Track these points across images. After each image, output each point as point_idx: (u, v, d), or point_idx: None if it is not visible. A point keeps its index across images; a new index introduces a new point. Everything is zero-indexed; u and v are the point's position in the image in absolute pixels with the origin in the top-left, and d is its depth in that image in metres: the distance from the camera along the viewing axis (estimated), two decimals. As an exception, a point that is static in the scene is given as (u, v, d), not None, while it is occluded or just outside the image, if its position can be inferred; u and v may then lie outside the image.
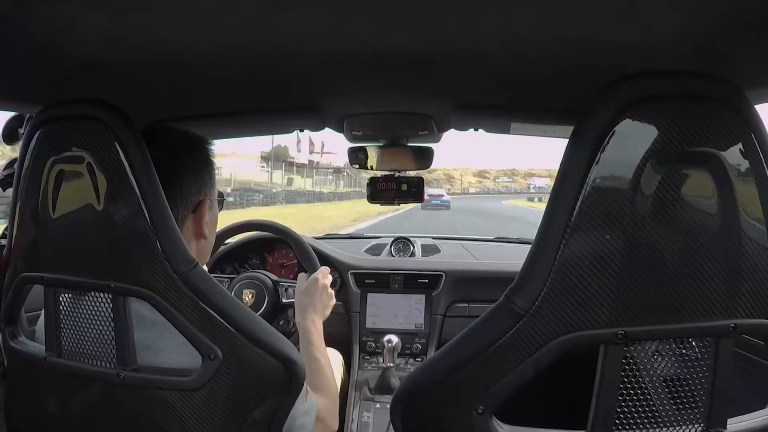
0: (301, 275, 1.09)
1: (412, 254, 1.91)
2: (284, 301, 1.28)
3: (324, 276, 1.07)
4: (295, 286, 1.25)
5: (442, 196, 25.38)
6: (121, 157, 0.54)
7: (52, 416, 0.62)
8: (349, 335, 1.56)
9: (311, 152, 45.02)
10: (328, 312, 1.05)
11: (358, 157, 1.24)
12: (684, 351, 0.52)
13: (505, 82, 0.80)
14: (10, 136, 0.90)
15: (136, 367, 0.57)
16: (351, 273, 1.61)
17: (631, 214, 0.43)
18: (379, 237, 2.13)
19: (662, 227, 0.43)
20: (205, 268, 0.86)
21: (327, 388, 0.90)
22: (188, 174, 0.69)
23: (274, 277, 1.31)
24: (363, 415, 1.25)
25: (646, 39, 0.58)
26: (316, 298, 1.03)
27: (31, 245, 0.61)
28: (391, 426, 0.56)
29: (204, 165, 0.72)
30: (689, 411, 0.48)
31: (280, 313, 1.30)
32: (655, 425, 0.47)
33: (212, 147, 0.75)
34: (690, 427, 0.47)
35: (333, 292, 1.08)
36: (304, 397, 0.69)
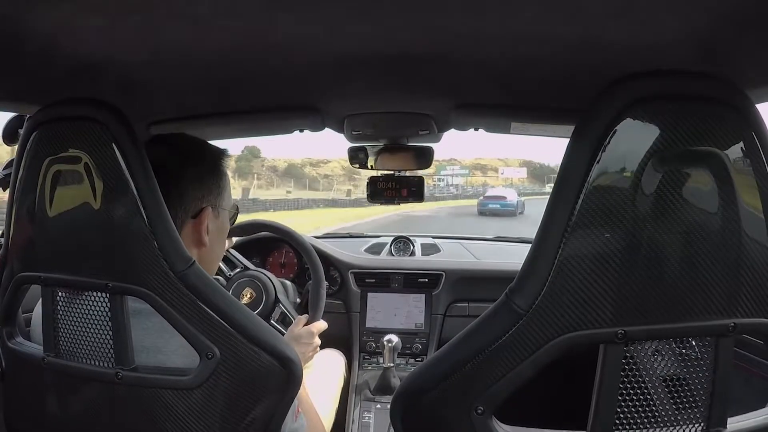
0: (300, 318, 1.09)
1: (412, 253, 1.91)
2: (280, 307, 1.26)
3: (318, 331, 1.07)
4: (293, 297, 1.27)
5: (504, 198, 19.10)
6: (119, 157, 0.54)
7: (51, 416, 0.62)
8: (350, 335, 1.56)
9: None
10: (304, 364, 1.06)
11: (358, 157, 1.25)
12: (684, 351, 0.52)
13: (505, 82, 0.80)
14: (10, 136, 0.90)
15: (134, 366, 0.57)
16: (351, 272, 1.61)
17: (631, 213, 0.43)
18: (378, 236, 2.13)
19: (663, 226, 0.43)
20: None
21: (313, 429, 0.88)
22: (190, 178, 0.68)
23: (275, 278, 1.31)
24: (364, 416, 1.25)
25: (647, 39, 0.58)
26: (305, 350, 1.05)
27: (28, 245, 0.61)
28: (392, 427, 0.56)
29: (211, 174, 0.72)
30: (689, 411, 0.48)
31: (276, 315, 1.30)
32: (655, 425, 0.47)
33: (226, 159, 0.75)
34: (690, 426, 0.47)
35: (318, 350, 1.10)
36: (294, 416, 0.68)
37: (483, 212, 18.63)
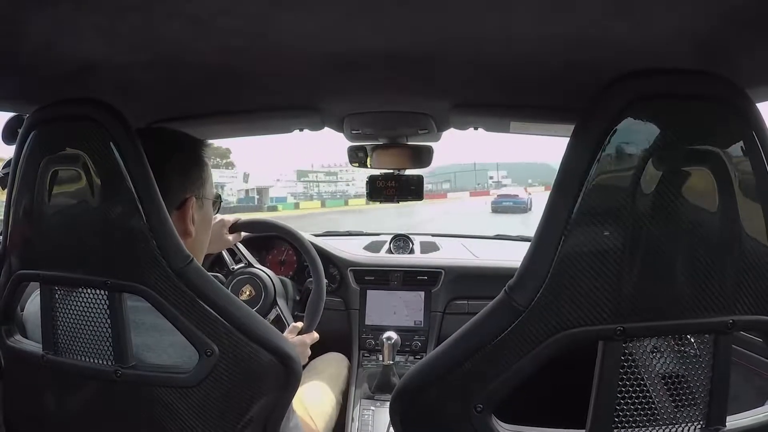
0: (294, 326, 1.08)
1: (411, 251, 1.91)
2: (277, 310, 1.26)
3: (311, 342, 1.05)
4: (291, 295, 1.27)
5: (517, 196, 20.82)
6: (116, 157, 0.54)
7: (50, 414, 0.63)
8: (349, 332, 1.56)
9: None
10: None
11: (357, 156, 1.24)
12: (683, 348, 0.52)
13: (504, 81, 0.80)
14: (10, 136, 0.89)
15: (133, 364, 0.57)
16: (350, 270, 1.61)
17: (631, 211, 0.43)
18: (378, 234, 2.13)
19: (662, 224, 0.43)
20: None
21: None
22: (172, 170, 0.69)
23: (275, 277, 1.31)
24: (363, 414, 1.26)
25: (647, 38, 0.58)
26: None
27: (26, 243, 0.61)
28: (391, 425, 0.56)
29: (193, 164, 0.73)
30: (688, 408, 0.48)
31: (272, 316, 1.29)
32: (654, 423, 0.47)
33: (205, 149, 0.76)
34: (689, 424, 0.47)
35: (307, 358, 1.08)
36: (288, 417, 0.68)
37: (497, 209, 19.29)
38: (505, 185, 42.56)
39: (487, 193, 33.73)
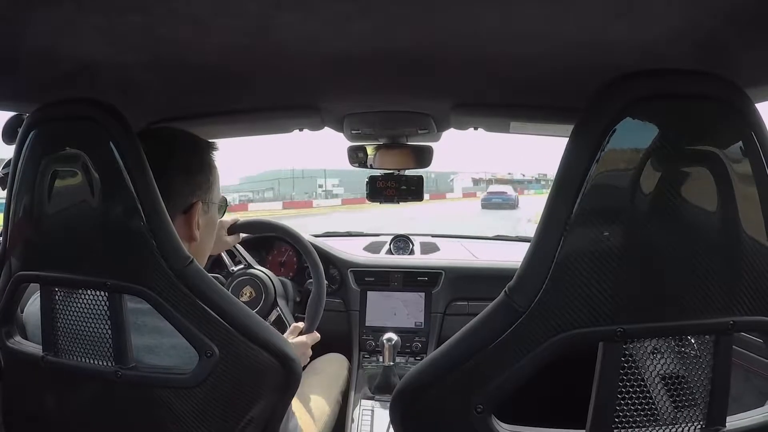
0: (295, 326, 1.07)
1: (411, 252, 1.91)
2: (278, 310, 1.25)
3: (312, 342, 1.04)
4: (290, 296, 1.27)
5: (505, 193, 21.36)
6: (116, 156, 0.54)
7: (50, 415, 0.62)
8: (349, 333, 1.56)
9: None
10: None
11: (357, 156, 1.24)
12: (683, 349, 0.52)
13: (504, 81, 0.80)
14: (10, 135, 0.89)
15: (133, 365, 0.57)
16: (350, 271, 1.61)
17: (631, 211, 0.43)
18: (378, 235, 2.13)
19: (662, 225, 0.43)
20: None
21: None
22: (180, 173, 0.68)
23: (275, 278, 1.31)
24: (363, 415, 1.25)
25: (647, 38, 0.58)
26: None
27: (26, 244, 0.61)
28: (392, 425, 0.56)
29: (200, 168, 0.72)
30: (688, 409, 0.48)
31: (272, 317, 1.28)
32: (654, 423, 0.47)
33: (214, 152, 0.74)
34: (689, 425, 0.47)
35: (308, 358, 1.07)
36: (287, 417, 0.68)
37: (487, 206, 19.54)
38: (336, 195, 38.32)
39: (310, 204, 26.28)
